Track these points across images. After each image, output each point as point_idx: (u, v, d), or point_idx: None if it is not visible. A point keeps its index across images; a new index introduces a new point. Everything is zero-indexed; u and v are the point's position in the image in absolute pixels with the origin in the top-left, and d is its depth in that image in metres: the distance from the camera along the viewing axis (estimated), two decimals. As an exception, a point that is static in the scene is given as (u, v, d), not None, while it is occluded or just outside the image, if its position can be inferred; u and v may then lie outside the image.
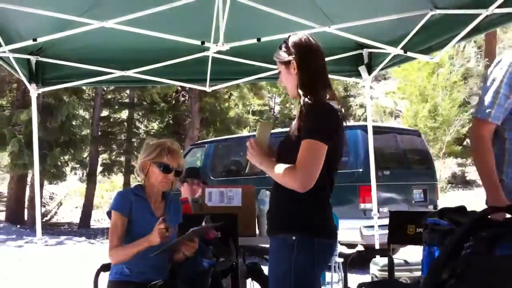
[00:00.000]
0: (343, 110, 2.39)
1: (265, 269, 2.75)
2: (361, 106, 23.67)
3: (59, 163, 14.64)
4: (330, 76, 2.47)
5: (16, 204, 15.10)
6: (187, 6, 3.62)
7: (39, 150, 4.97)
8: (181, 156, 3.04)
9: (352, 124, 8.69)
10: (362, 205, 7.30)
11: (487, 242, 1.32)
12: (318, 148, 2.22)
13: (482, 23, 3.76)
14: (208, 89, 5.44)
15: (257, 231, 3.99)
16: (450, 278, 1.33)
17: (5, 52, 4.13)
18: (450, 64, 20.65)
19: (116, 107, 17.86)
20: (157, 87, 14.86)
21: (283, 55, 2.42)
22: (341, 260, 5.55)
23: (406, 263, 5.21)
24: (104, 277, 3.02)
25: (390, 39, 4.53)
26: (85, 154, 16.43)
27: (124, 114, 18.73)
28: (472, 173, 19.09)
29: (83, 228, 14.87)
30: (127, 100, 18.09)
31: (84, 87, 14.54)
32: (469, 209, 1.87)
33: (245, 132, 16.97)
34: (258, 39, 3.98)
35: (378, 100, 24.82)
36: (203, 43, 3.93)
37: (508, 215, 1.45)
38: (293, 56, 2.38)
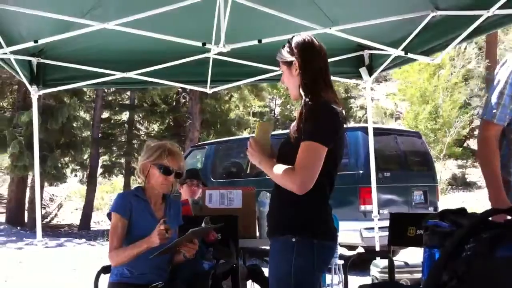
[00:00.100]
0: (343, 112, 2.38)
1: (266, 271, 2.74)
2: (362, 107, 23.66)
3: (60, 165, 14.65)
4: (331, 77, 2.47)
5: (16, 206, 15.11)
6: (188, 8, 3.62)
7: (40, 151, 4.97)
8: (182, 158, 3.04)
9: (353, 125, 8.70)
10: (362, 207, 7.29)
11: (488, 244, 1.32)
12: (317, 150, 2.22)
13: (483, 25, 3.76)
14: (209, 90, 5.44)
15: (258, 233, 3.99)
16: (451, 280, 1.33)
17: (6, 53, 4.13)
18: (451, 65, 20.67)
19: (117, 108, 17.89)
20: (157, 88, 14.86)
21: (286, 55, 2.43)
22: (341, 262, 5.53)
23: (407, 265, 5.20)
24: (105, 279, 3.01)
25: (391, 40, 4.53)
26: (86, 156, 16.45)
27: (125, 115, 18.75)
28: (472, 175, 19.07)
29: (83, 230, 14.87)
30: (127, 102, 18.11)
31: (84, 89, 14.56)
32: (469, 211, 1.87)
33: (245, 134, 16.97)
34: (259, 41, 3.98)
35: (379, 101, 24.83)
36: (204, 44, 3.93)
37: (509, 217, 1.45)
38: (296, 56, 2.38)
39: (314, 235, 2.28)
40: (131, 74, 4.97)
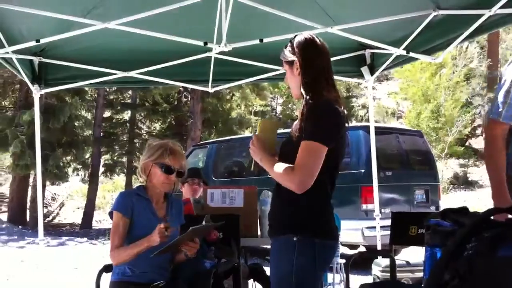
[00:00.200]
0: (345, 111, 2.38)
1: (267, 270, 2.75)
2: (364, 106, 23.65)
3: (61, 164, 14.67)
4: (333, 76, 2.46)
5: (18, 205, 15.14)
6: (190, 7, 3.62)
7: (42, 150, 4.97)
8: (183, 157, 3.04)
9: (354, 124, 8.67)
10: (364, 206, 7.29)
11: (490, 243, 1.32)
12: (317, 149, 2.22)
13: (485, 24, 3.76)
14: (210, 89, 5.44)
15: (259, 232, 3.99)
16: (453, 279, 1.33)
17: (8, 53, 4.14)
18: (453, 64, 20.65)
19: (119, 108, 17.91)
20: (159, 88, 14.88)
21: (288, 54, 2.43)
22: (343, 261, 5.54)
23: (408, 264, 5.20)
24: (106, 278, 3.02)
25: (393, 39, 4.52)
26: (87, 155, 16.47)
27: (127, 115, 18.77)
28: (474, 174, 19.06)
29: (85, 228, 14.89)
30: (129, 101, 18.13)
31: (86, 88, 14.58)
32: (471, 210, 1.87)
33: (247, 133, 16.96)
34: (261, 40, 3.98)
35: (381, 100, 24.82)
36: (205, 43, 3.93)
37: (510, 216, 1.45)
38: (297, 56, 2.38)
39: (316, 234, 2.28)
40: (133, 73, 4.98)
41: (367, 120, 12.41)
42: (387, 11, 4.07)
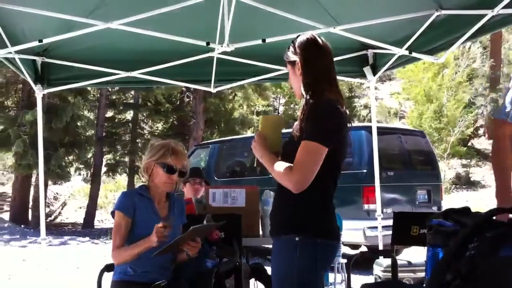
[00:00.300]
0: (347, 112, 2.38)
1: (269, 270, 2.75)
2: (366, 106, 23.64)
3: (64, 164, 14.69)
4: (336, 76, 2.46)
5: (21, 204, 15.17)
6: (192, 7, 3.63)
7: (44, 150, 4.98)
8: (185, 157, 3.04)
9: (357, 124, 8.67)
10: (366, 206, 7.29)
11: (492, 243, 1.32)
12: (316, 150, 2.21)
13: (487, 24, 3.76)
14: (212, 89, 5.45)
15: (261, 232, 3.99)
16: (455, 279, 1.33)
17: (11, 53, 4.15)
18: (455, 64, 20.63)
19: (121, 107, 17.92)
20: (161, 87, 14.89)
21: (290, 55, 2.43)
22: (344, 261, 5.55)
23: (410, 264, 5.20)
24: (108, 277, 3.02)
25: (395, 39, 4.52)
26: (90, 155, 16.49)
27: (129, 114, 18.78)
28: (476, 174, 19.04)
29: (87, 228, 14.91)
30: (131, 101, 18.14)
31: (89, 88, 14.59)
32: (473, 210, 1.87)
33: (249, 133, 16.97)
34: (263, 40, 3.98)
35: (383, 100, 24.81)
36: (208, 44, 3.93)
37: (512, 216, 1.45)
38: (298, 56, 2.38)
39: (317, 234, 2.28)
40: (135, 73, 4.98)
41: (369, 120, 12.39)
42: (390, 11, 4.07)
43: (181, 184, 4.43)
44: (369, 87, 5.54)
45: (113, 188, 21.04)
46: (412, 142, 8.68)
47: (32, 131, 12.61)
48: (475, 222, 1.38)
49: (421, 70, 20.35)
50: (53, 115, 13.46)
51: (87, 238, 12.45)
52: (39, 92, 4.84)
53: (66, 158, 15.24)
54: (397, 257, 4.19)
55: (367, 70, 5.10)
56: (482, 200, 15.14)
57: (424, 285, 2.48)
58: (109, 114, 18.07)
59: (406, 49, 4.44)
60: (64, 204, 19.16)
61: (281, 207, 2.40)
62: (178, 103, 17.65)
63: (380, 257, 5.43)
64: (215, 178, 9.31)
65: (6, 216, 15.60)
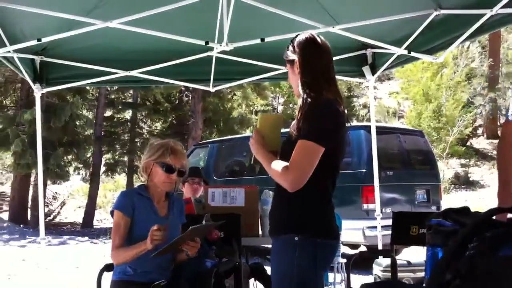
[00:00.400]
0: (345, 111, 2.38)
1: (268, 269, 2.74)
2: (365, 106, 23.66)
3: (63, 163, 14.67)
4: (335, 76, 2.46)
5: (20, 204, 15.15)
6: (191, 6, 3.62)
7: (43, 150, 4.98)
8: (184, 156, 3.04)
9: (356, 124, 8.68)
10: (365, 206, 7.29)
11: (492, 243, 1.32)
12: (312, 149, 2.21)
13: (486, 23, 3.76)
14: (211, 89, 5.45)
15: (260, 231, 3.99)
16: (454, 279, 1.33)
17: (9, 52, 4.14)
18: (454, 64, 20.66)
19: (120, 107, 17.90)
20: (160, 87, 14.88)
21: (289, 54, 2.43)
22: (344, 260, 5.55)
23: (409, 263, 5.21)
24: (107, 277, 3.02)
25: (394, 39, 4.52)
26: (89, 154, 16.48)
27: (128, 114, 18.77)
28: (475, 173, 19.06)
29: (86, 228, 14.90)
30: (130, 100, 18.12)
31: (87, 87, 14.58)
32: (472, 210, 1.87)
33: (248, 132, 16.96)
34: (262, 39, 3.98)
35: (382, 100, 24.81)
36: (207, 43, 3.93)
37: (512, 216, 1.45)
38: (297, 55, 2.38)
39: (317, 234, 2.28)
40: (134, 73, 4.98)
41: (368, 120, 12.38)
42: (389, 10, 4.07)
43: (180, 184, 4.44)
44: (368, 86, 5.55)
45: (112, 187, 21.03)
46: (411, 142, 8.69)
47: (30, 130, 12.59)
48: (475, 221, 1.38)
49: (420, 69, 20.37)
50: (52, 114, 13.44)
51: (86, 238, 12.44)
52: (38, 91, 4.84)
53: (65, 158, 15.22)
54: (397, 257, 4.19)
55: (366, 69, 5.10)
56: (481, 200, 15.16)
57: (423, 284, 2.48)
58: (108, 113, 18.04)
59: (405, 48, 4.44)
60: (63, 204, 19.14)
61: (280, 207, 2.40)
62: (177, 102, 17.64)
63: (379, 256, 5.43)
64: (214, 177, 9.31)
65: (5, 215, 15.59)
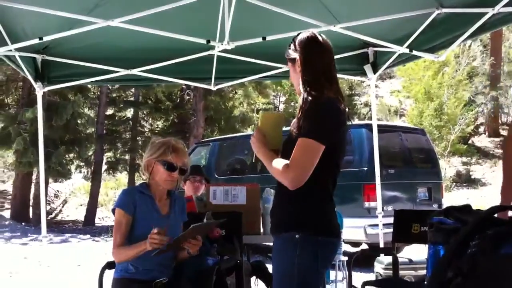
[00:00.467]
0: (346, 109, 2.38)
1: (269, 267, 2.75)
2: (366, 104, 23.62)
3: (64, 161, 14.68)
4: (336, 74, 2.46)
5: (21, 202, 15.17)
6: (193, 5, 3.62)
7: (44, 148, 4.99)
8: (186, 154, 3.04)
9: (357, 122, 8.68)
10: (366, 204, 7.29)
11: (493, 241, 1.32)
12: (312, 147, 2.21)
13: (488, 22, 3.75)
14: (213, 87, 5.45)
15: (262, 229, 3.99)
16: (456, 277, 1.33)
17: (11, 50, 4.15)
18: (456, 62, 20.63)
19: (121, 105, 17.91)
20: (162, 85, 14.87)
21: (291, 52, 2.44)
22: (345, 258, 5.55)
23: (411, 261, 5.21)
24: (109, 274, 3.02)
25: (396, 37, 4.52)
26: (90, 152, 16.49)
27: (129, 112, 18.76)
28: (477, 172, 19.04)
29: (88, 226, 14.91)
30: (132, 99, 18.12)
31: (89, 86, 14.58)
32: (474, 208, 1.87)
33: (249, 131, 16.95)
34: (264, 38, 3.98)
35: (383, 98, 24.80)
36: (208, 41, 3.93)
37: (513, 214, 1.45)
38: (298, 53, 2.38)
39: (318, 232, 2.28)
40: (136, 71, 4.98)
41: (370, 118, 12.37)
42: (390, 9, 4.07)
43: (182, 182, 4.44)
44: (369, 85, 5.54)
45: (114, 185, 21.04)
46: (412, 140, 8.68)
47: (32, 128, 12.61)
48: (476, 219, 1.38)
49: (422, 68, 20.35)
50: (54, 112, 13.45)
51: (88, 236, 12.46)
52: (40, 90, 4.85)
53: (67, 156, 15.22)
54: (398, 255, 4.20)
55: (367, 68, 5.09)
56: (483, 198, 15.15)
57: (425, 282, 2.48)
58: (110, 111, 18.05)
59: (407, 47, 4.44)
60: (64, 202, 19.15)
61: (281, 205, 2.40)
62: (178, 101, 17.64)
63: (381, 254, 5.43)
64: (216, 175, 9.31)
65: (7, 213, 15.61)
